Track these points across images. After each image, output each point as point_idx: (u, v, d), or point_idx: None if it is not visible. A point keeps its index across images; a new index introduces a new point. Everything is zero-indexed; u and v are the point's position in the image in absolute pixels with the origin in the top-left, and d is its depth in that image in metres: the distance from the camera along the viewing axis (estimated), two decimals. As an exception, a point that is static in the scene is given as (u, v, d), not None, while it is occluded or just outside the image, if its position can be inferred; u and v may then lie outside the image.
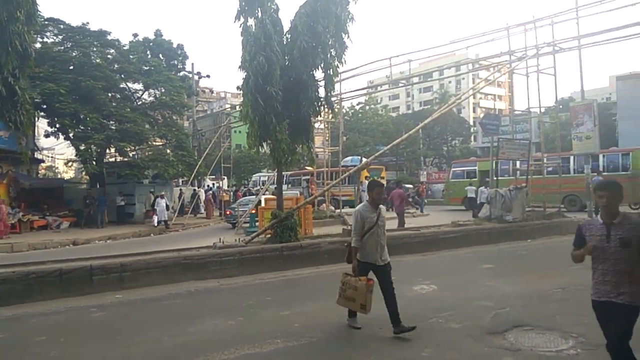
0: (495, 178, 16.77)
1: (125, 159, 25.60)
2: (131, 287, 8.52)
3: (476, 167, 27.83)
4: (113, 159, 27.57)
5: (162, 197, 21.58)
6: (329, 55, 10.59)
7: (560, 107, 34.96)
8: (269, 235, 10.92)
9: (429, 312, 6.28)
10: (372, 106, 67.37)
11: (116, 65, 24.98)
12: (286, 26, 10.51)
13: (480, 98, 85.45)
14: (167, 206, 21.72)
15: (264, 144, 10.80)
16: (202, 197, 27.78)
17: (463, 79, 69.99)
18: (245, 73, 9.87)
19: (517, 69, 16.50)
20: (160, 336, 5.73)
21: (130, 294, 8.21)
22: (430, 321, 5.94)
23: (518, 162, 16.64)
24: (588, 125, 16.11)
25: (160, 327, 6.14)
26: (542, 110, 18.27)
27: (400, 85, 27.52)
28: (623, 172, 20.19)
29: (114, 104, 24.67)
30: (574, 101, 22.98)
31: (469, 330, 5.51)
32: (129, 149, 25.34)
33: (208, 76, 34.27)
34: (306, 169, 30.08)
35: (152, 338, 5.71)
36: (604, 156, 22.04)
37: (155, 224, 21.02)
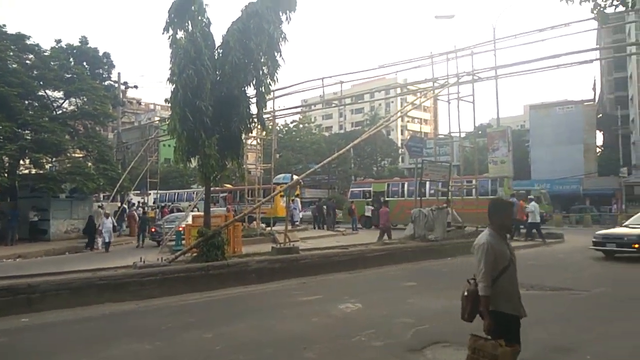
0: (419, 198, 17.46)
1: (41, 172, 23.85)
2: (40, 309, 7.84)
3: (371, 188, 30.33)
4: (27, 171, 25.56)
5: (107, 215, 19.48)
6: (261, 73, 10.62)
7: (479, 132, 37.30)
8: (195, 254, 10.58)
9: (353, 331, 6.33)
10: (306, 125, 68.16)
11: (35, 72, 23.43)
12: (218, 41, 10.42)
13: (408, 121, 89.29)
14: (114, 227, 19.74)
15: (192, 159, 10.54)
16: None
17: (392, 102, 72.83)
18: (174, 86, 9.63)
19: (440, 95, 17.45)
20: (69, 363, 5.32)
21: (38, 317, 7.56)
22: (354, 340, 5.99)
23: (440, 184, 17.48)
24: (503, 151, 17.33)
25: (70, 354, 5.71)
26: (463, 134, 19.39)
27: (333, 105, 28.17)
28: (492, 197, 22.00)
29: (30, 112, 23.02)
30: (492, 127, 24.67)
31: (390, 348, 5.61)
32: (45, 161, 23.67)
33: (136, 87, 33.00)
34: (225, 186, 29.79)
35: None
36: (477, 181, 24.59)
37: (100, 247, 18.87)
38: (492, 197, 21.54)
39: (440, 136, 26.31)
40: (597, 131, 53.56)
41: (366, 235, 21.24)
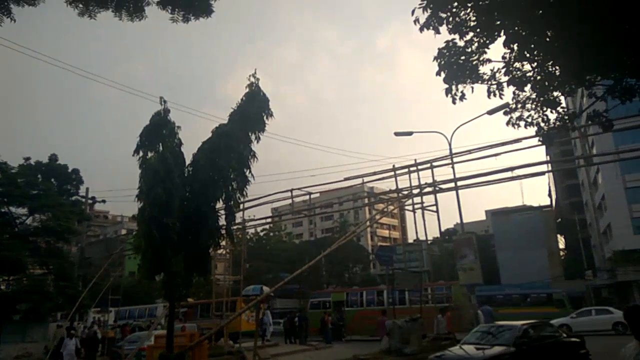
0: (392, 307, 17.21)
1: (-6, 291, 22.58)
2: None
3: (330, 298, 30.73)
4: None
5: (70, 337, 17.28)
6: (230, 188, 10.84)
7: (446, 237, 38.04)
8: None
9: None
10: (276, 233, 68.07)
11: (0, 189, 23.25)
12: (189, 159, 10.76)
13: (377, 227, 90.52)
14: (77, 350, 17.24)
15: (157, 276, 10.26)
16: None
17: (361, 209, 74.41)
18: (142, 204, 9.70)
19: (406, 205, 18.09)
20: None
21: None
22: None
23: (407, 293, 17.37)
24: (470, 258, 17.66)
25: None
26: (430, 241, 19.80)
27: (303, 215, 28.66)
28: (446, 303, 22.20)
29: (-10, 229, 22.44)
30: (457, 233, 25.33)
31: None
32: (1, 280, 22.54)
33: (103, 201, 32.92)
34: (187, 300, 28.78)
35: None
36: (431, 289, 25.39)
37: None
38: (445, 304, 21.43)
39: (409, 243, 26.77)
40: (559, 235, 55.51)
41: (341, 348, 20.36)
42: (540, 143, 14.85)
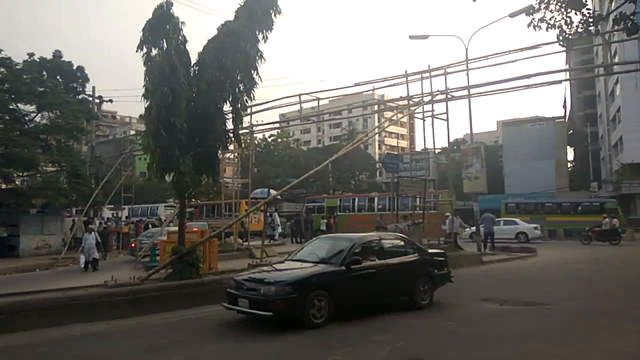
0: (395, 212, 17.60)
1: (11, 186, 23.24)
2: (6, 331, 7.59)
3: (324, 203, 32.25)
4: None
5: (89, 231, 17.67)
6: (237, 90, 10.63)
7: (454, 147, 37.95)
8: (170, 271, 10.41)
9: (327, 350, 6.31)
10: (284, 139, 68.22)
11: (6, 85, 22.92)
12: (194, 58, 10.41)
13: (385, 136, 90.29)
14: (97, 243, 17.40)
15: (167, 175, 10.43)
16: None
17: (370, 117, 73.64)
18: (148, 103, 9.57)
19: (416, 113, 17.75)
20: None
21: (4, 340, 7.31)
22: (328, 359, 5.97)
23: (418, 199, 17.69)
24: (477, 167, 17.66)
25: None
26: (438, 150, 19.72)
27: (311, 121, 28.31)
28: (433, 211, 22.56)
29: (1, 126, 22.52)
30: (466, 143, 25.17)
31: None
32: (15, 176, 23.12)
33: (110, 100, 32.34)
34: (195, 201, 29.79)
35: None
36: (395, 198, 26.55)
37: (82, 266, 16.63)
38: (432, 211, 22.15)
39: (416, 151, 26.83)
40: (568, 147, 55.15)
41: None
42: (560, 50, 14.17)
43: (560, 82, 21.83)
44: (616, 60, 28.71)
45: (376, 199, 29.67)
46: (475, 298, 10.02)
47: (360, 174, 68.21)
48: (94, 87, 30.04)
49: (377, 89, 19.97)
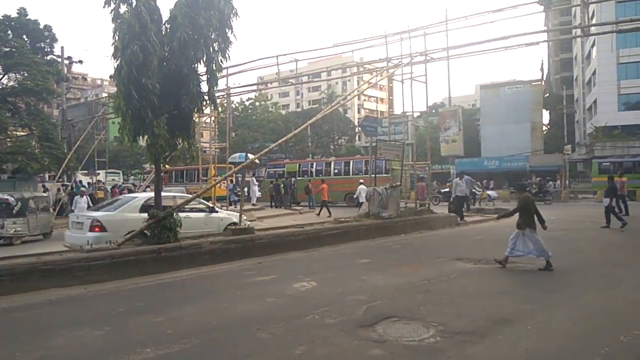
0: (374, 175, 17.71)
1: (-22, 152, 22.52)
2: (-21, 298, 7.47)
3: (284, 168, 33.11)
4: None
5: (81, 194, 16.99)
6: (211, 49, 10.27)
7: (433, 111, 38.02)
8: (147, 236, 10.30)
9: (307, 309, 6.40)
10: (262, 103, 67.23)
11: (-33, 45, 21.86)
12: (165, 16, 9.98)
13: (364, 100, 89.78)
14: (89, 207, 16.38)
15: (140, 138, 10.17)
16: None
17: (349, 80, 72.85)
18: (118, 62, 9.18)
19: (395, 75, 17.59)
20: (13, 352, 5.10)
21: (-24, 306, 7.20)
22: (307, 318, 6.06)
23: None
24: (454, 130, 17.80)
25: (14, 342, 5.46)
26: (417, 114, 19.72)
27: (289, 83, 27.84)
28: (385, 174, 23.78)
29: (-35, 88, 21.59)
30: (444, 107, 25.22)
31: (343, 325, 5.72)
32: (-17, 141, 22.39)
33: (80, 61, 31.06)
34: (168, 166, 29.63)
35: (2, 356, 5.06)
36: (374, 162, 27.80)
37: None
38: (385, 174, 22.89)
39: (395, 115, 26.80)
40: (544, 110, 55.79)
41: (323, 213, 21.41)
42: (539, 10, 14.07)
43: (537, 43, 21.96)
44: (594, 22, 28.75)
45: (333, 164, 31.24)
46: (449, 258, 10.28)
47: (339, 138, 68.13)
48: (62, 48, 28.85)
49: (356, 50, 19.70)
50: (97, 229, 10.71)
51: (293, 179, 29.38)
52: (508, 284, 7.90)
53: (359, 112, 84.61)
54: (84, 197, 17.18)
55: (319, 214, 21.12)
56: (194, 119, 11.31)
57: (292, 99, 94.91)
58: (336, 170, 29.99)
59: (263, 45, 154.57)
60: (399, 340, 5.21)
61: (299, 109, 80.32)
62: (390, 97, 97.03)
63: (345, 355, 4.88)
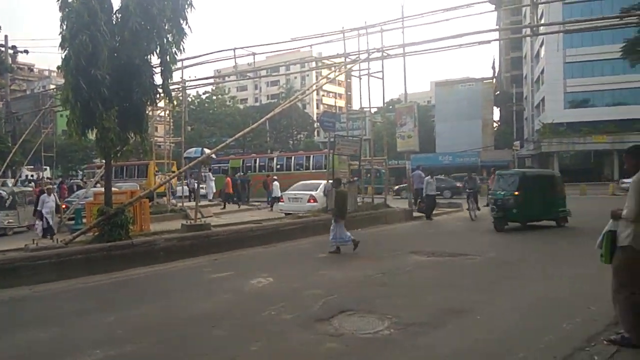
0: (331, 170, 17.74)
1: None
2: None
3: (229, 164, 33.53)
4: None
5: (49, 192, 14.91)
6: (165, 41, 9.99)
7: (390, 107, 38.65)
8: (96, 234, 9.95)
9: (264, 305, 6.36)
10: (220, 97, 66.04)
11: None
12: (116, 5, 9.62)
13: (323, 95, 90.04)
14: (57, 207, 14.83)
15: (90, 132, 9.78)
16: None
17: (307, 75, 72.83)
18: (66, 52, 8.78)
19: (352, 71, 17.72)
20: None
21: None
22: (264, 314, 6.03)
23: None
24: (410, 126, 18.11)
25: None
26: (374, 110, 19.91)
27: (247, 77, 27.49)
28: (324, 169, 23.93)
29: None
30: (400, 103, 25.67)
31: (299, 320, 5.74)
32: None
33: (26, 51, 29.38)
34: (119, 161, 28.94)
35: None
36: (313, 157, 29.54)
37: (40, 233, 13.61)
38: (324, 170, 23.30)
39: (352, 111, 27.06)
40: (495, 107, 57.83)
41: (277, 209, 21.31)
42: (490, 9, 14.49)
43: (489, 42, 22.77)
44: (542, 22, 30.01)
45: (275, 159, 32.20)
46: (404, 251, 10.49)
47: (298, 133, 68.00)
48: (6, 36, 27.27)
49: (314, 45, 19.55)
50: (312, 201, 16.45)
51: (250, 173, 29.27)
52: (459, 276, 8.16)
53: (317, 108, 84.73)
54: (52, 195, 15.58)
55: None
56: (147, 112, 10.99)
57: (251, 93, 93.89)
58: (279, 166, 30.74)
59: (220, 38, 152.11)
60: (355, 333, 5.27)
61: (258, 103, 79.64)
62: (349, 93, 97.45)
63: (301, 350, 4.90)
